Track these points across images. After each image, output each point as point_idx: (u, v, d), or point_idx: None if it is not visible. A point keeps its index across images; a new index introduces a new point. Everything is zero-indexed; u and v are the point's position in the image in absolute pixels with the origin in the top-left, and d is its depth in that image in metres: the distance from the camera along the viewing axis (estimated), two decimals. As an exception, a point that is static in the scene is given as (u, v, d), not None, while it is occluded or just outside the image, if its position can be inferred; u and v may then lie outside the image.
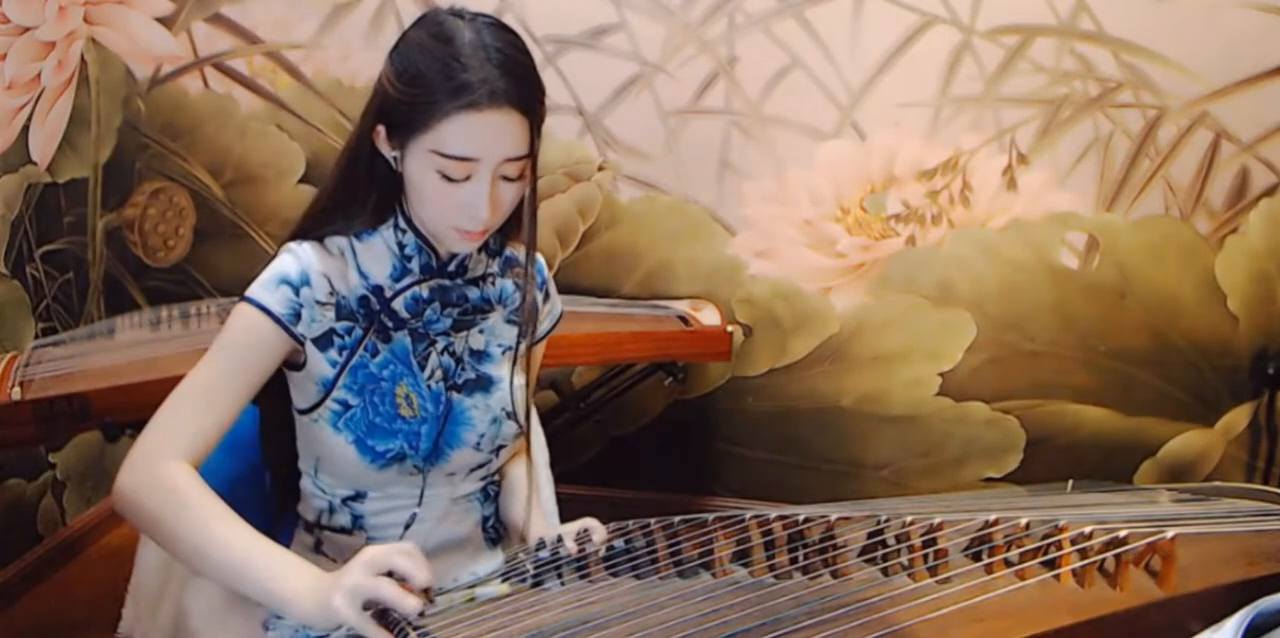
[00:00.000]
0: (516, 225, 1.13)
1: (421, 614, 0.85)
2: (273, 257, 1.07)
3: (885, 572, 0.98)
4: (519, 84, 0.98)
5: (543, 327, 1.26)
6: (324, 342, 1.07)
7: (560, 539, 1.07)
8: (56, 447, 2.24)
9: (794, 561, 1.01)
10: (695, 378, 2.34)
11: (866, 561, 1.00)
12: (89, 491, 2.34)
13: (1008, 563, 0.98)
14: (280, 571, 0.91)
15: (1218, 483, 2.06)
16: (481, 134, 0.98)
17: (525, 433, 1.18)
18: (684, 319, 2.11)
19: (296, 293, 1.04)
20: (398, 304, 1.11)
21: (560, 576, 1.02)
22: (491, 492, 1.22)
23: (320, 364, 1.07)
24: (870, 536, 1.02)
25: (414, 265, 1.11)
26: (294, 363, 1.08)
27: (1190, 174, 2.07)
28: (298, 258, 1.06)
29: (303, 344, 1.06)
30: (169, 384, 1.02)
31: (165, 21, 2.31)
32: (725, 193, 2.23)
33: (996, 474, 2.29)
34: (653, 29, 2.15)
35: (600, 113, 2.21)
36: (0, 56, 2.02)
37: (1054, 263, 2.16)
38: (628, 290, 2.30)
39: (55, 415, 1.55)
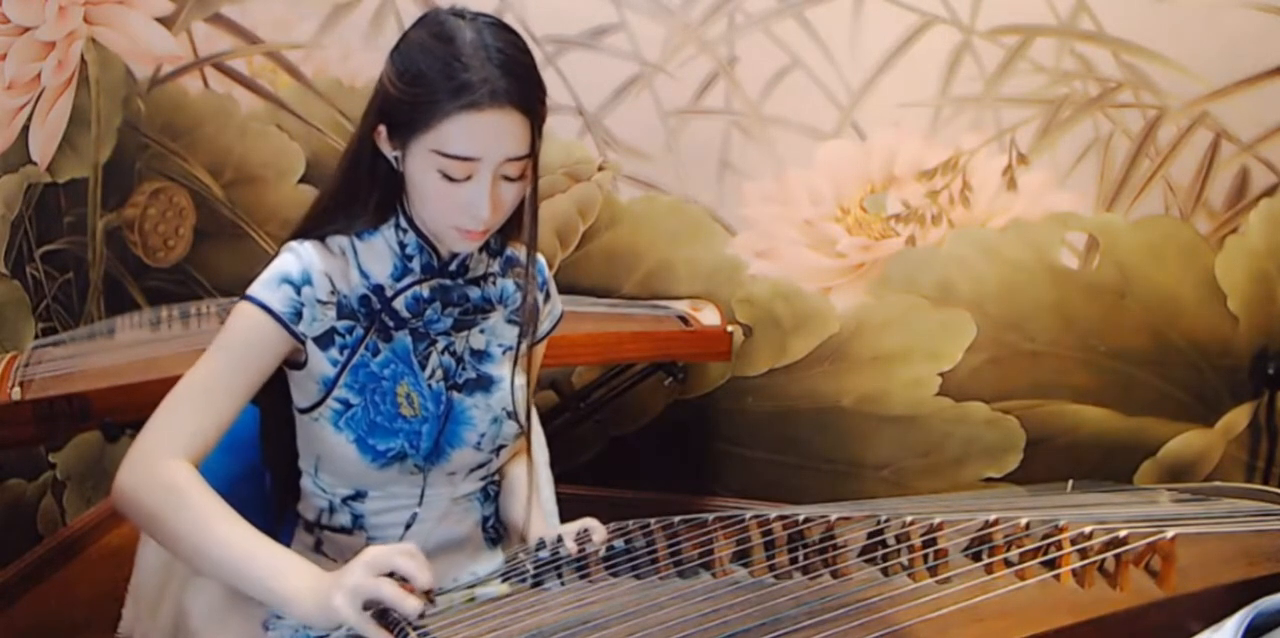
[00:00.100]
0: (517, 225, 1.13)
1: (421, 615, 0.85)
2: (274, 256, 1.08)
3: (885, 572, 0.98)
4: (520, 84, 0.98)
5: (543, 327, 1.26)
6: (325, 341, 1.07)
7: (560, 539, 1.07)
8: (56, 447, 2.24)
9: (794, 561, 1.01)
10: (695, 378, 2.34)
11: (866, 561, 1.00)
12: (89, 491, 2.34)
13: (1008, 563, 0.98)
14: (281, 569, 0.91)
15: (1218, 483, 2.06)
16: (482, 134, 0.98)
17: (526, 433, 1.19)
18: (684, 319, 2.11)
19: (298, 292, 1.04)
20: (399, 304, 1.11)
21: (560, 576, 1.02)
22: (492, 492, 1.22)
23: (321, 363, 1.07)
24: (870, 536, 1.02)
25: (415, 265, 1.11)
26: (295, 362, 1.08)
27: (1190, 174, 2.07)
28: (299, 257, 1.06)
29: (304, 343, 1.06)
30: (169, 384, 1.02)
31: (165, 21, 2.31)
32: (725, 193, 2.23)
33: (996, 474, 2.29)
34: (653, 29, 2.15)
35: (600, 113, 2.21)
36: (0, 56, 2.02)
37: (1054, 263, 2.16)
38: (628, 290, 2.30)
39: (55, 415, 1.55)
